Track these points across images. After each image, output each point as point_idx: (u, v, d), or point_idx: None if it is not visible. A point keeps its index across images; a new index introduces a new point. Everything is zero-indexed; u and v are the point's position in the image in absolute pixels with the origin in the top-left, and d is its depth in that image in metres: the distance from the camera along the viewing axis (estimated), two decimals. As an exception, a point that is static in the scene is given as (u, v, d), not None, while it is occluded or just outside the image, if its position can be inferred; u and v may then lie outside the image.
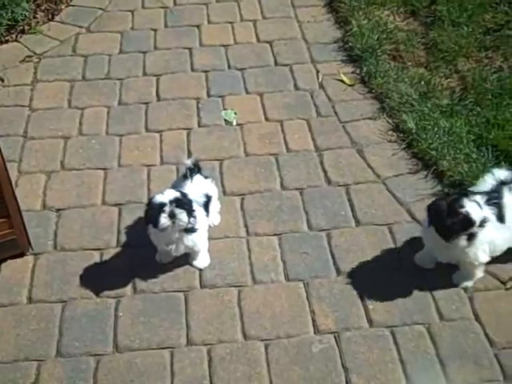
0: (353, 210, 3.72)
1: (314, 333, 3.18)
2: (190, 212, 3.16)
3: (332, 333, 3.18)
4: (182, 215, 3.13)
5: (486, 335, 3.14)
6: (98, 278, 3.41)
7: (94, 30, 5.05)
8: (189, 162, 3.46)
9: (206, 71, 4.70)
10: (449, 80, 4.52)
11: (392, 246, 3.54)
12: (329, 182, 3.88)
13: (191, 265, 3.45)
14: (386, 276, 3.40)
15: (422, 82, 4.45)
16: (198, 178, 3.47)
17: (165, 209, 3.09)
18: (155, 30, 5.07)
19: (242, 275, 3.42)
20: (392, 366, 3.04)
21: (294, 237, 3.60)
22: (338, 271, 3.43)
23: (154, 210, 3.11)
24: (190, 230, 3.24)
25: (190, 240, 3.30)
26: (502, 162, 3.84)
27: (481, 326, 3.18)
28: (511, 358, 3.05)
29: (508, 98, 4.23)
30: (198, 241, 3.36)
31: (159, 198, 3.12)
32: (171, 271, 3.44)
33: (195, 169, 3.47)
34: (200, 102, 4.45)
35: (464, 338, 3.13)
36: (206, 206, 3.44)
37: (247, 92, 4.53)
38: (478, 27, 4.82)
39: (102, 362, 3.09)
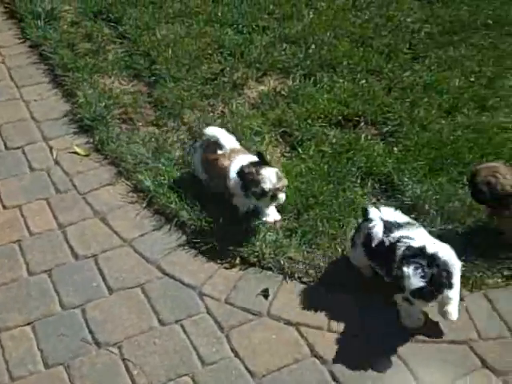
0: (104, 279, 3.72)
1: (83, 415, 3.10)
2: None
3: (100, 410, 3.12)
4: None
5: (246, 368, 3.27)
6: None
7: None
8: None
9: None
10: (178, 133, 4.69)
11: (147, 305, 3.57)
12: (76, 256, 3.85)
13: None
14: (145, 337, 3.41)
15: (153, 140, 4.58)
16: None
17: None
18: None
19: (-1, 376, 3.25)
20: (163, 426, 3.05)
21: (48, 321, 3.53)
22: (98, 344, 3.38)
23: None
24: None
25: None
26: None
27: (240, 360, 3.30)
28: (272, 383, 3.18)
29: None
30: None
31: None
32: None
33: None
34: None
35: (227, 376, 3.24)
36: None
37: (-19, 183, 4.36)
38: (197, 79, 5.06)
39: None
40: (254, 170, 3.69)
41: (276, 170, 3.73)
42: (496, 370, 3.17)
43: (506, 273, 3.59)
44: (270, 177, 3.66)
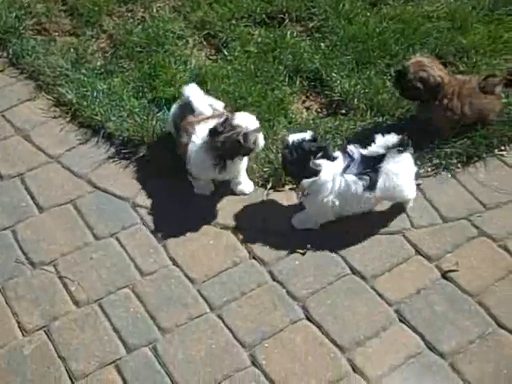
0: (33, 198, 3.61)
1: (23, 335, 3.08)
2: None
3: (41, 328, 3.10)
4: None
5: (186, 275, 3.26)
6: None
7: None
8: None
9: None
10: (98, 41, 4.49)
11: (80, 221, 3.49)
12: (1, 177, 3.73)
13: None
14: (81, 253, 3.37)
15: (72, 50, 4.38)
16: None
17: None
18: None
19: None
20: (107, 338, 3.06)
21: (-23, 245, 3.40)
22: (33, 264, 3.32)
23: None
24: None
25: None
26: (164, 108, 3.92)
27: (179, 268, 3.29)
28: (211, 288, 3.21)
29: (154, 46, 4.30)
30: None
31: None
32: None
33: None
34: None
35: (167, 285, 3.23)
36: None
37: None
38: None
39: None
40: (230, 129, 3.25)
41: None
42: (429, 257, 3.25)
43: (435, 161, 3.62)
44: (249, 120, 3.31)
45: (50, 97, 4.13)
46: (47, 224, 3.48)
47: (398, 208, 3.42)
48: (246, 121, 3.29)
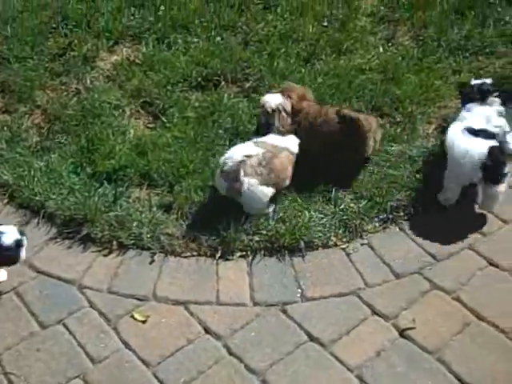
0: (-24, 292, 3.44)
1: None
2: None
3: None
4: None
5: (140, 358, 3.15)
6: None
7: None
8: None
9: None
10: (32, 117, 4.40)
11: (23, 309, 3.36)
12: None
13: None
14: (27, 345, 3.24)
15: (6, 128, 4.28)
16: None
17: None
18: None
19: None
20: None
21: None
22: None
23: None
24: None
25: None
26: (105, 182, 3.84)
27: (132, 351, 3.18)
28: (167, 370, 3.11)
29: (91, 118, 4.24)
30: None
31: None
32: None
33: None
34: None
35: (120, 371, 3.10)
36: None
37: None
38: (44, 56, 4.76)
39: None
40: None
41: None
42: (385, 316, 3.22)
43: (381, 216, 3.62)
44: None
45: (-11, 179, 3.99)
46: (-7, 319, 3.32)
47: (349, 267, 3.39)
48: None
